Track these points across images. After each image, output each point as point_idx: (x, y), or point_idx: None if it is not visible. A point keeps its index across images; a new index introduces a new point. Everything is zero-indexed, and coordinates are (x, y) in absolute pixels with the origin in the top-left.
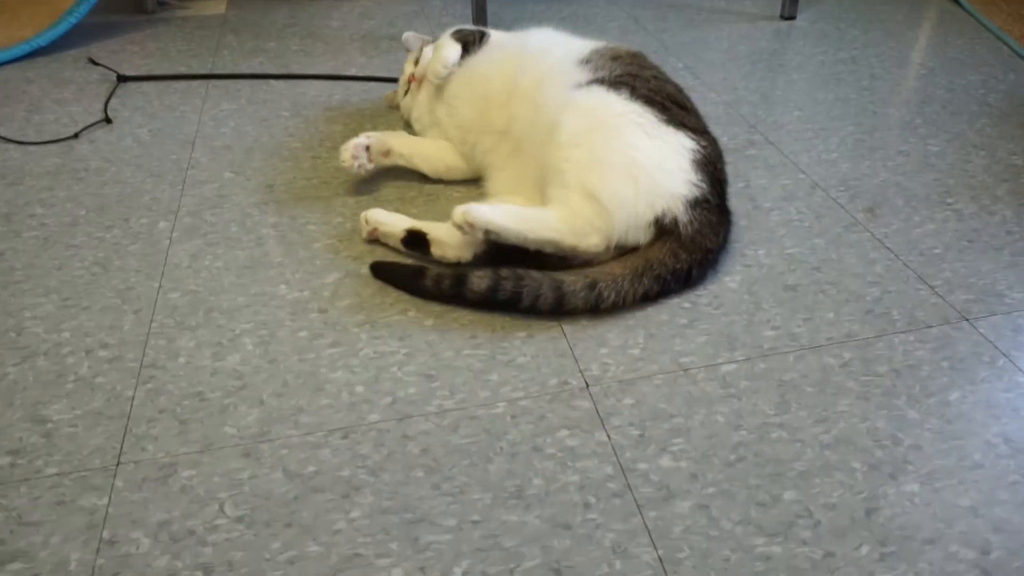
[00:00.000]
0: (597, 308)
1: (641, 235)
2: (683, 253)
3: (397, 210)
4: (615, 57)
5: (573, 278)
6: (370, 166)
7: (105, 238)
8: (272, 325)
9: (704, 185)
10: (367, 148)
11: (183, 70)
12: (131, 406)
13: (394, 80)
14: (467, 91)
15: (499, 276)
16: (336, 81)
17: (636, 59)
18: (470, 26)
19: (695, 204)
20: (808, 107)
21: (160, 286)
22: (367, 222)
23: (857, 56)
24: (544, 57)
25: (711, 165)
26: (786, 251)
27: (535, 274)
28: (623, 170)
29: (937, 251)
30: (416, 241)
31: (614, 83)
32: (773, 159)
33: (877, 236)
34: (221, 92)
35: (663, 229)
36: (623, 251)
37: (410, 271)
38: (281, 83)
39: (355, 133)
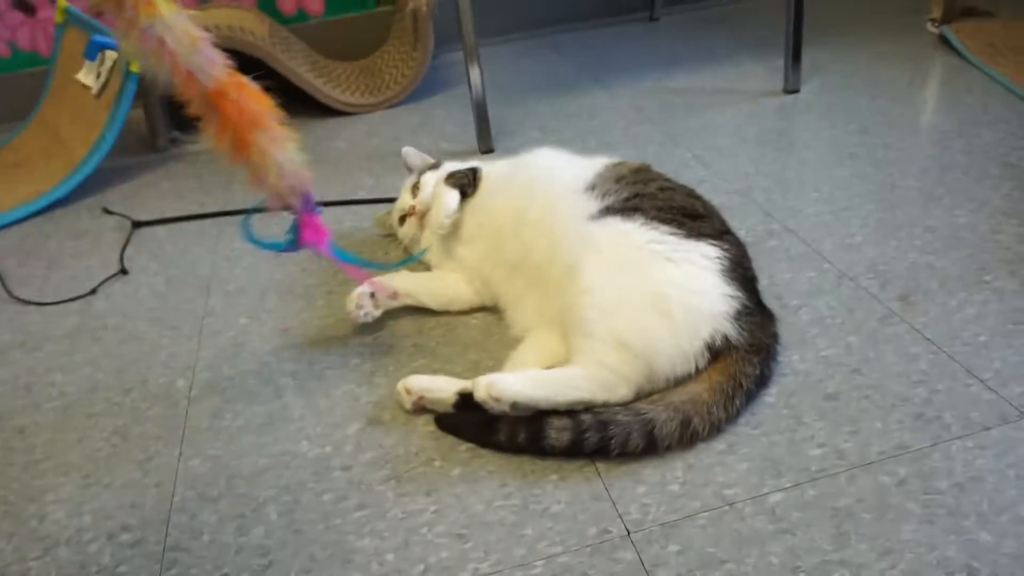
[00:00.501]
0: (692, 443)
1: (693, 366)
2: (753, 358)
3: (416, 347)
4: (619, 178)
5: (664, 416)
6: (377, 313)
7: (124, 403)
8: (295, 489)
9: (740, 293)
10: (372, 296)
11: (196, 209)
12: None
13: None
14: (476, 227)
15: (581, 426)
16: (346, 206)
17: (640, 174)
18: (460, 165)
19: (738, 315)
20: (824, 187)
21: (180, 453)
22: (408, 392)
23: (868, 126)
24: (549, 186)
25: (739, 267)
26: (821, 354)
27: (621, 418)
28: (654, 309)
29: (982, 338)
30: (470, 403)
31: (625, 210)
32: (795, 249)
33: (916, 327)
34: (234, 229)
35: (717, 352)
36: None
37: (480, 423)
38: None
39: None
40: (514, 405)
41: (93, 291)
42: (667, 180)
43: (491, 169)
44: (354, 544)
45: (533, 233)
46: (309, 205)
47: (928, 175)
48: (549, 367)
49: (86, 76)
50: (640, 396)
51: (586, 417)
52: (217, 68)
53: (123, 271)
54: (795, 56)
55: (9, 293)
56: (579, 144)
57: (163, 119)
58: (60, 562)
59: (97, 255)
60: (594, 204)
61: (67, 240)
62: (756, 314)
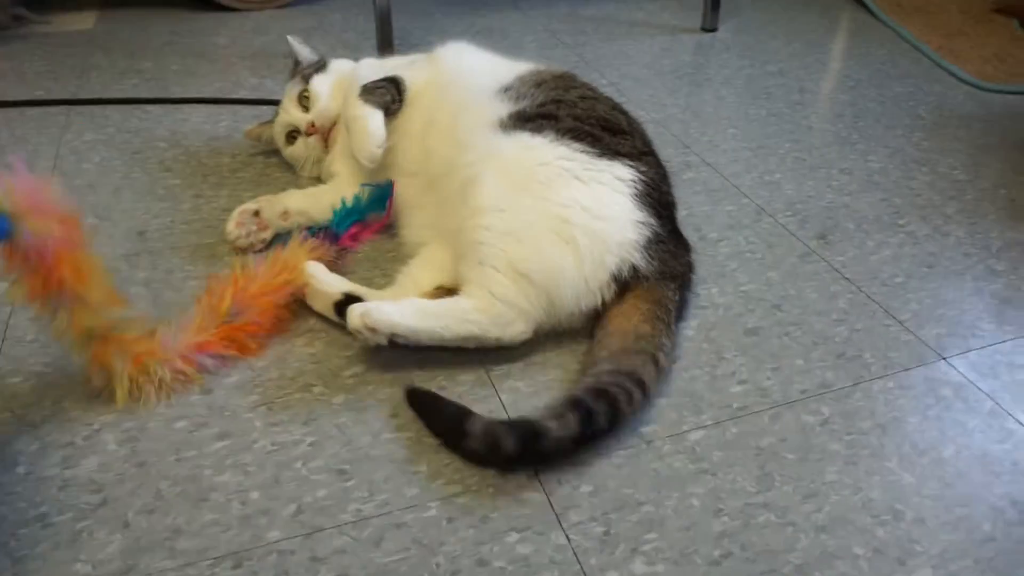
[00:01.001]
0: (663, 380)
1: (598, 299)
2: (670, 284)
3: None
4: (539, 83)
5: (640, 361)
6: (265, 236)
7: None
8: (141, 414)
9: (652, 220)
10: (256, 214)
11: (40, 94)
12: None
13: None
14: None
15: (583, 407)
16: (223, 105)
17: (562, 81)
18: (355, 66)
19: (649, 244)
20: (742, 124)
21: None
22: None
23: (784, 68)
24: (460, 85)
25: (655, 191)
26: (741, 288)
27: (611, 379)
28: (556, 235)
29: (899, 279)
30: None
31: (536, 118)
32: (713, 182)
33: (834, 266)
34: (86, 120)
35: (624, 283)
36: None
37: (455, 416)
38: (158, 108)
39: (244, 166)
40: (393, 337)
41: None
42: (592, 90)
43: (393, 65)
44: (212, 480)
45: (437, 139)
46: None
47: (843, 120)
48: (442, 286)
49: None
50: (538, 332)
51: (583, 394)
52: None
53: None
54: None
55: None
56: None
57: None
58: None
59: None
60: (506, 107)
61: None
62: (669, 242)
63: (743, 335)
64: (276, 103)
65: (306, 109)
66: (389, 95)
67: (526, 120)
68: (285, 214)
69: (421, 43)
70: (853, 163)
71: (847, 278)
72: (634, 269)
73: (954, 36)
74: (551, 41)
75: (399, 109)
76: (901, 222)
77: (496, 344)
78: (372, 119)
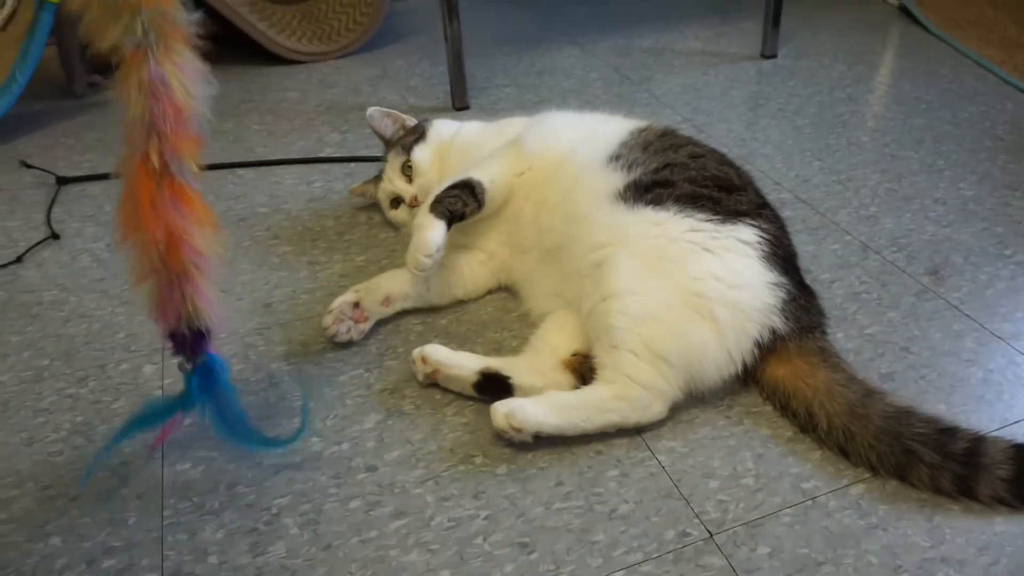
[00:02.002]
0: None
1: (738, 366)
2: (813, 333)
3: (426, 326)
4: (645, 146)
5: (881, 403)
6: (364, 328)
7: (80, 395)
8: (315, 496)
9: (783, 279)
10: (356, 305)
11: None
12: None
13: (376, 159)
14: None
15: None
16: (313, 164)
17: (667, 139)
18: (455, 181)
19: (785, 305)
20: (825, 155)
21: (163, 456)
22: (424, 361)
23: (852, 94)
24: (566, 161)
25: (779, 246)
26: (866, 331)
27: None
28: (694, 312)
29: (1020, 314)
30: (493, 386)
31: (652, 187)
32: (812, 220)
33: (952, 303)
34: None
35: (765, 348)
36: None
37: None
38: (250, 172)
39: (350, 228)
40: (537, 435)
41: (19, 259)
42: (696, 144)
43: (493, 136)
44: (399, 560)
45: (551, 217)
46: (201, 344)
47: (924, 146)
48: (578, 352)
49: None
50: (673, 408)
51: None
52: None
53: (53, 235)
54: (775, 20)
55: None
56: (559, 105)
57: (81, 59)
58: None
59: (17, 216)
60: (619, 178)
61: None
62: (800, 297)
63: (880, 380)
64: (363, 160)
65: (410, 179)
66: (460, 202)
67: (643, 190)
68: (387, 300)
69: (487, 85)
70: (945, 192)
71: (967, 315)
72: (772, 332)
73: (1013, 49)
74: (616, 77)
75: (476, 211)
76: (1007, 252)
77: (635, 427)
78: (430, 230)
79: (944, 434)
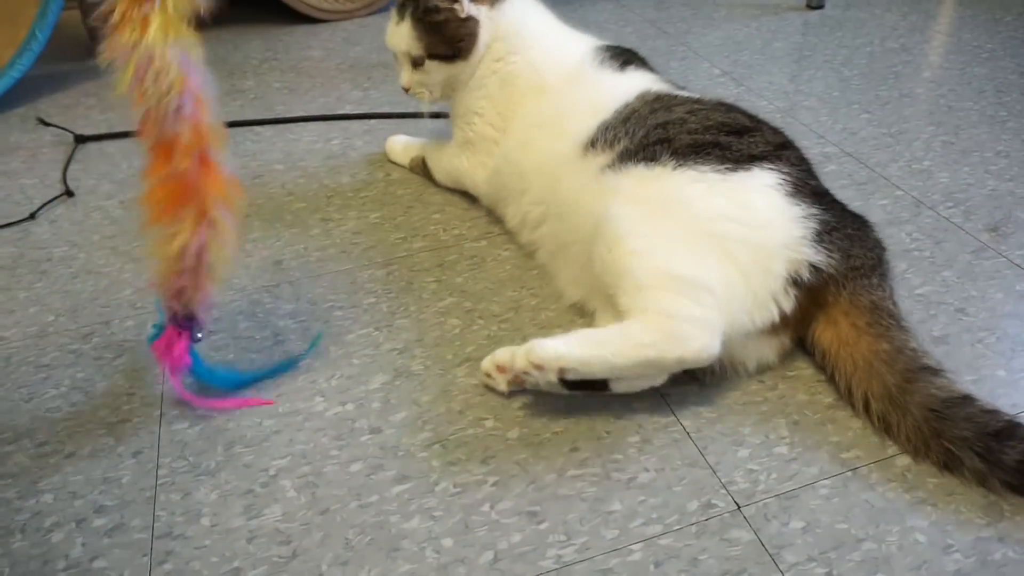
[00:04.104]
0: None
1: (773, 310)
2: (871, 278)
3: (440, 284)
4: (626, 118)
5: (927, 385)
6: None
7: (83, 351)
8: (315, 457)
9: (815, 209)
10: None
11: None
12: None
13: (397, 116)
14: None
15: None
16: (332, 122)
17: (658, 102)
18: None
19: (819, 236)
20: (874, 108)
21: (161, 413)
22: (503, 369)
23: (906, 44)
24: (536, 172)
25: (807, 184)
26: (917, 292)
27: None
28: (708, 250)
29: None
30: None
31: (645, 148)
32: (859, 174)
33: (1014, 260)
34: None
35: (811, 286)
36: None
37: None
38: (268, 129)
39: (366, 185)
40: (562, 373)
41: (32, 215)
42: (698, 101)
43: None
44: (400, 527)
45: (545, 227)
46: (189, 326)
47: (985, 96)
48: None
49: None
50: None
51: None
52: (185, 124)
53: (68, 192)
54: None
55: None
56: None
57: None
58: (15, 556)
59: (34, 174)
60: (603, 157)
61: None
62: (842, 226)
63: (932, 344)
64: (383, 117)
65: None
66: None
67: (632, 154)
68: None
69: None
70: (1008, 144)
71: None
72: (814, 268)
73: None
74: (652, 31)
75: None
76: None
77: (679, 365)
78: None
79: (994, 438)
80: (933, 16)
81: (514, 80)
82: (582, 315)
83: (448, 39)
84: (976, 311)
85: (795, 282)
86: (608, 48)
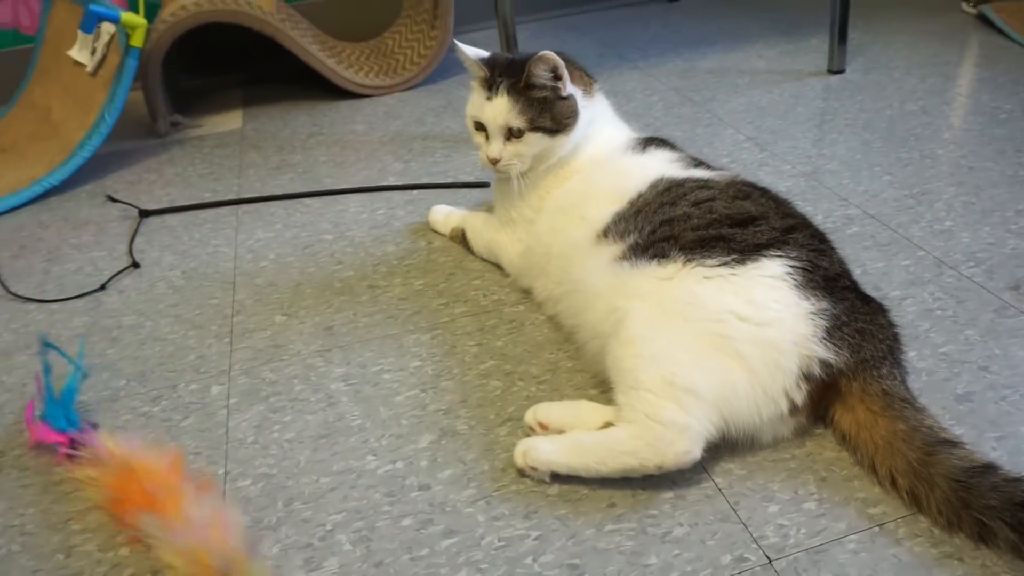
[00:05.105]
0: None
1: (782, 404)
2: (880, 369)
3: (481, 347)
4: (637, 212)
5: (948, 457)
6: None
7: (153, 413)
8: (368, 513)
9: (825, 304)
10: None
11: (208, 196)
12: None
13: (438, 186)
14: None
15: None
16: (376, 193)
17: (668, 195)
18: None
19: (830, 334)
20: (896, 169)
21: (226, 472)
22: (544, 427)
23: (926, 106)
24: (554, 255)
25: (816, 270)
26: (940, 350)
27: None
28: (717, 351)
29: None
30: None
31: (654, 244)
32: (881, 236)
33: None
34: (253, 218)
35: (820, 380)
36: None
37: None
38: (317, 201)
39: (410, 253)
40: (554, 474)
41: (103, 287)
42: (704, 187)
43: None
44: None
45: (562, 304)
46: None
47: (1005, 157)
48: None
49: (79, 53)
50: (711, 445)
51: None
52: None
53: (134, 264)
54: (841, 35)
55: (7, 290)
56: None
57: (164, 100)
58: None
59: (103, 247)
60: (616, 248)
61: (67, 230)
62: (854, 319)
63: (955, 402)
64: (424, 187)
65: (509, 138)
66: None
67: (643, 249)
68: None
69: None
70: None
71: None
72: (822, 363)
73: None
74: (677, 99)
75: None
76: None
77: (659, 472)
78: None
79: (1022, 508)
80: (952, 78)
81: (564, 165)
82: (608, 388)
83: (553, 114)
84: (999, 369)
85: (806, 377)
86: (641, 139)
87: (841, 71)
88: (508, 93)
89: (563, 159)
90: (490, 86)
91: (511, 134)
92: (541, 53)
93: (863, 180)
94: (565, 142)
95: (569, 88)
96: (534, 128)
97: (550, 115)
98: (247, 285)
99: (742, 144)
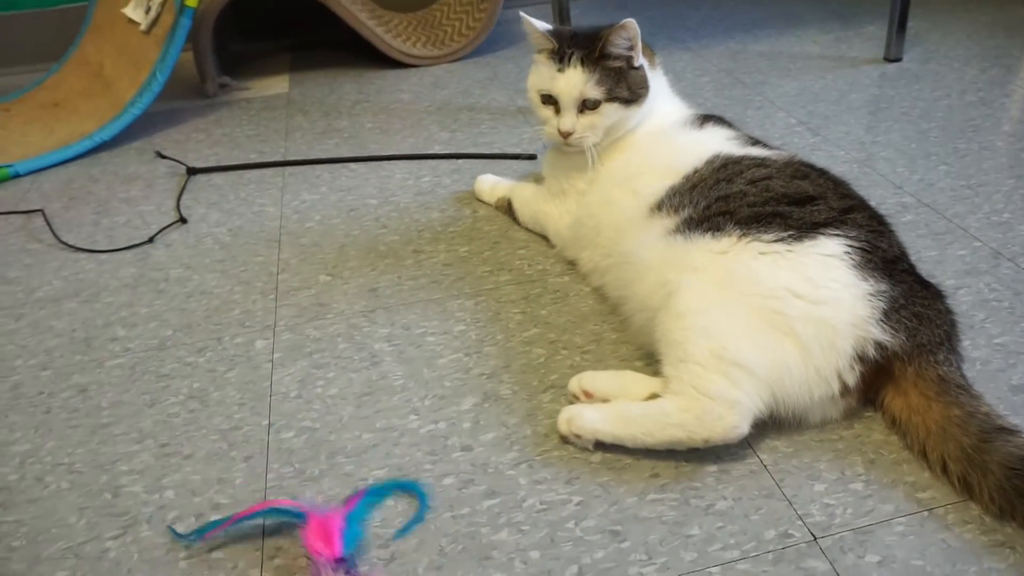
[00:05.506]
0: None
1: (834, 385)
2: (936, 355)
3: (525, 315)
4: (693, 187)
5: (1004, 444)
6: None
7: (198, 364)
8: (410, 470)
9: (883, 286)
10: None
11: (255, 157)
12: None
13: (484, 156)
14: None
15: None
16: (421, 161)
17: (723, 171)
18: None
19: (887, 315)
20: (953, 160)
21: (270, 423)
22: (588, 395)
23: (986, 98)
24: (605, 224)
25: (875, 251)
26: (995, 341)
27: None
28: (771, 328)
29: None
30: None
31: (710, 218)
32: (936, 225)
33: None
34: (299, 180)
35: (879, 364)
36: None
37: None
38: (362, 166)
39: (455, 221)
40: (598, 442)
41: (151, 239)
42: (761, 165)
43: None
44: (489, 538)
45: (610, 276)
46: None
47: None
48: None
49: (134, 11)
50: (757, 422)
51: None
52: None
53: (182, 219)
54: (901, 23)
55: (57, 238)
56: None
57: (213, 62)
58: (143, 543)
59: (151, 201)
60: (669, 221)
61: (117, 185)
62: (911, 303)
63: (1010, 393)
64: (471, 157)
65: (583, 110)
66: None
67: (698, 223)
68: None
69: None
70: None
71: None
72: (878, 345)
73: None
74: (728, 81)
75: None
76: None
77: (705, 446)
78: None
79: None
80: (1014, 71)
81: (624, 138)
82: (653, 360)
83: (628, 84)
84: None
85: (860, 358)
86: (698, 116)
87: (898, 59)
88: (582, 64)
89: (629, 131)
90: (560, 58)
91: (584, 106)
92: (623, 21)
93: (918, 169)
94: (637, 113)
95: (640, 59)
96: (611, 98)
97: (626, 85)
98: (292, 245)
99: (794, 128)
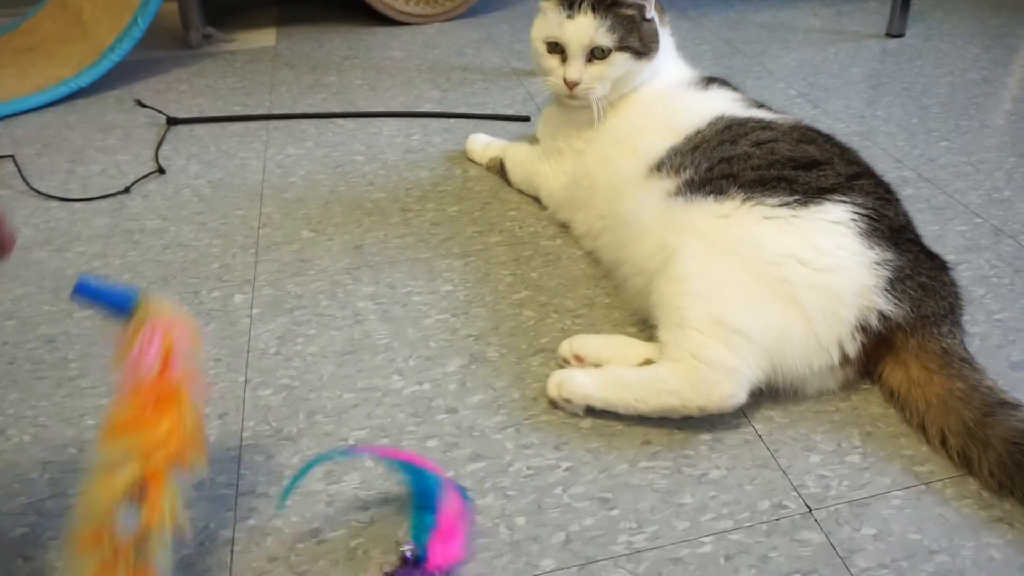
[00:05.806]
0: None
1: (834, 355)
2: (940, 327)
3: (515, 277)
4: (695, 147)
5: (1006, 419)
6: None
7: None
8: (392, 431)
9: (889, 255)
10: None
11: (238, 110)
12: (231, 556)
13: (476, 117)
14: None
15: None
16: (411, 119)
17: (727, 132)
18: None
19: (892, 285)
20: (954, 136)
21: (246, 380)
22: (580, 359)
23: (988, 76)
24: (602, 185)
25: (881, 219)
26: (995, 316)
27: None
28: (772, 295)
29: None
30: None
31: (711, 182)
32: (936, 200)
33: None
34: (284, 134)
35: (880, 334)
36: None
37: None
38: (350, 122)
39: (444, 180)
40: (589, 407)
41: (127, 189)
42: (767, 127)
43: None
44: (474, 502)
45: (605, 237)
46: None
47: None
48: None
49: None
50: (753, 391)
51: None
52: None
53: (160, 170)
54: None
55: (28, 185)
56: None
57: (198, 11)
58: None
59: (128, 151)
60: (669, 182)
61: (93, 133)
62: (917, 273)
63: (1009, 369)
64: (463, 116)
65: (591, 60)
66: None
67: (699, 185)
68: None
69: None
70: None
71: None
72: (881, 316)
73: None
74: (727, 50)
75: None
76: None
77: (700, 414)
78: None
79: None
80: (1016, 49)
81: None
82: (647, 326)
83: (640, 35)
84: None
85: (863, 328)
86: (703, 77)
87: (900, 35)
88: (593, 10)
89: (634, 88)
90: (570, 3)
91: (593, 55)
92: None
93: (919, 144)
94: (647, 68)
95: (652, 11)
96: (622, 47)
97: (638, 35)
98: (275, 199)
99: (793, 99)
